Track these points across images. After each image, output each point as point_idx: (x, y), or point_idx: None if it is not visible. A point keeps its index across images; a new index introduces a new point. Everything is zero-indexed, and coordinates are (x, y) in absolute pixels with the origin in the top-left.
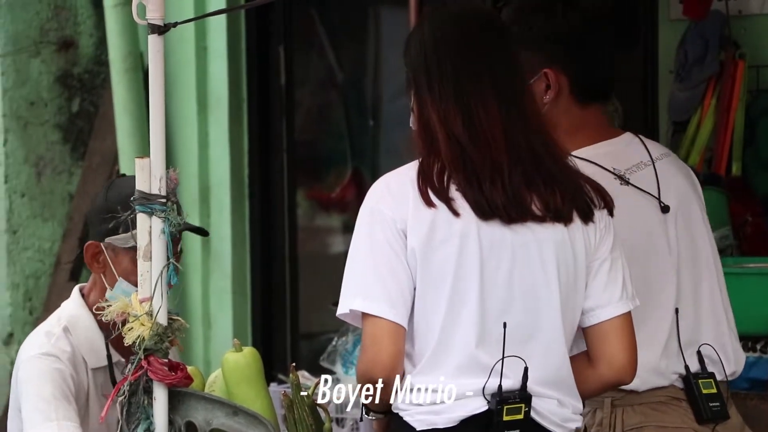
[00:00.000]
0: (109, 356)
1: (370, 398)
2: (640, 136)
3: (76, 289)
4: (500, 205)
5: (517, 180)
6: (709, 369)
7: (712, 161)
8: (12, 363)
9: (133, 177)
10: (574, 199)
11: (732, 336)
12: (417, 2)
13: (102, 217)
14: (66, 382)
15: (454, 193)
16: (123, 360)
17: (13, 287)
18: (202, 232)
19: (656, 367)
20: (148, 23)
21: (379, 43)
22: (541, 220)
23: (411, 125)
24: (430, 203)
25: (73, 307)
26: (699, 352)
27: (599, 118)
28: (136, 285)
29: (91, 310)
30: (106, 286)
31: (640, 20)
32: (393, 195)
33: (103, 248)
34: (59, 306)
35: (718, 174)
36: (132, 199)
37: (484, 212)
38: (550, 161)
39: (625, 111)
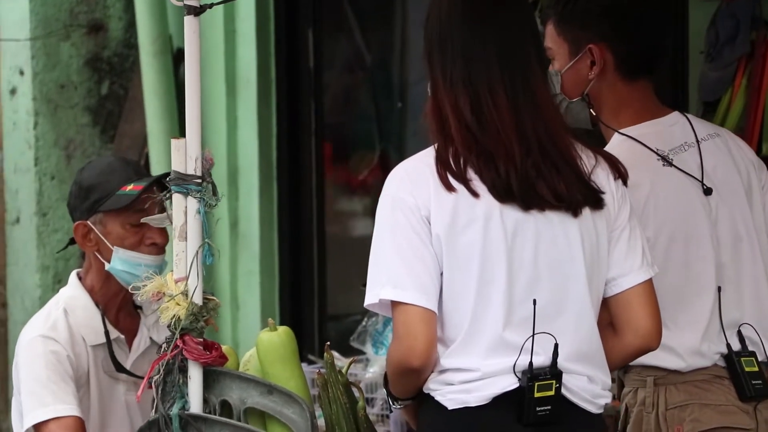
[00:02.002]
0: (107, 333)
1: (401, 389)
2: (688, 115)
3: (73, 274)
4: (515, 190)
5: (529, 170)
6: (750, 349)
7: None
8: None
9: (102, 159)
10: (579, 189)
11: None
12: None
13: (81, 196)
14: (62, 364)
15: (471, 174)
16: (122, 336)
17: (43, 269)
18: None
19: (698, 349)
20: (185, 4)
21: (407, 25)
22: (555, 208)
23: (425, 107)
24: (450, 188)
25: (70, 290)
26: (740, 332)
27: (646, 94)
28: (131, 248)
29: (87, 291)
30: (103, 261)
31: (671, 1)
32: (413, 182)
33: (91, 225)
34: None
35: None
36: (168, 179)
37: (500, 195)
38: (554, 151)
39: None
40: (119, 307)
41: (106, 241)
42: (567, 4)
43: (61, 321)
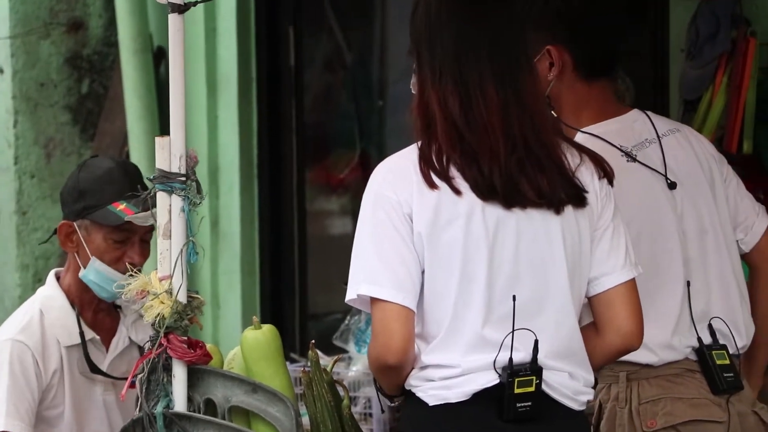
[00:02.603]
0: (81, 334)
1: (385, 386)
2: (648, 112)
3: (51, 273)
4: (498, 189)
5: (512, 168)
6: (721, 342)
7: (723, 139)
8: None
9: (105, 158)
10: (563, 187)
11: (743, 309)
12: None
13: (74, 197)
14: (26, 373)
15: (454, 172)
16: (97, 337)
17: (23, 268)
18: None
19: (669, 343)
20: (168, 2)
21: (387, 23)
22: (537, 206)
23: (410, 104)
24: (432, 185)
25: (47, 290)
26: (710, 326)
27: (605, 94)
28: (109, 264)
29: (64, 291)
30: (80, 265)
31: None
32: (396, 179)
33: (76, 227)
34: None
35: (729, 152)
36: (152, 177)
37: (482, 193)
38: (540, 149)
39: (636, 89)
40: (96, 308)
41: (86, 247)
42: (524, 7)
43: (35, 322)
